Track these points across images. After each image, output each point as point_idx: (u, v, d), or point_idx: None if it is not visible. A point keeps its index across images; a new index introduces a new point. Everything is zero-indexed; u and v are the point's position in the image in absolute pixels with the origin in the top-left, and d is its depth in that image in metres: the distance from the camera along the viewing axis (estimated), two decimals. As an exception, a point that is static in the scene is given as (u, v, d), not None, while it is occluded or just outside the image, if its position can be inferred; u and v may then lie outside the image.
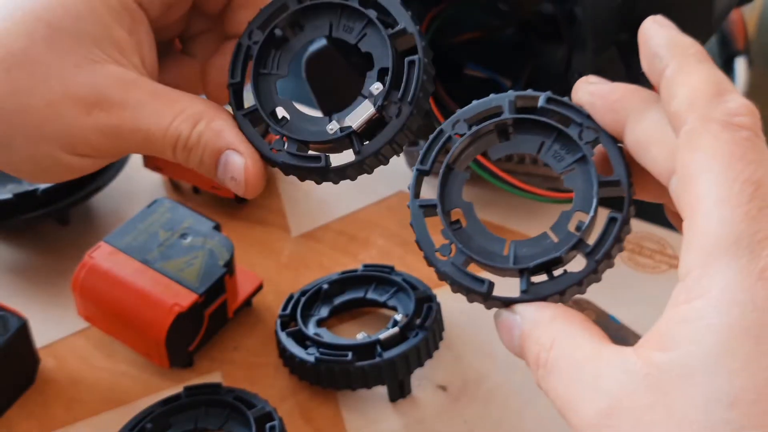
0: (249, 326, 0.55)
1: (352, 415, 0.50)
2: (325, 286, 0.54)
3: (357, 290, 0.55)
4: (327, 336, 0.51)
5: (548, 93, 0.36)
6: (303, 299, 0.54)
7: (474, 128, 0.36)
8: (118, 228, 0.53)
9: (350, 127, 0.37)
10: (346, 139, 0.37)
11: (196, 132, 0.39)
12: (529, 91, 0.36)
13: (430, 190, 0.36)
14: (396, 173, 0.63)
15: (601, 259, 0.33)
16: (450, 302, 0.51)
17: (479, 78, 0.61)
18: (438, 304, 0.52)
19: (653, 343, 0.29)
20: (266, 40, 0.39)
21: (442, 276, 0.35)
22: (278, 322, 0.53)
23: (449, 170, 0.36)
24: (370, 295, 0.54)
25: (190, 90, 0.43)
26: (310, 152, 0.38)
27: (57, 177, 0.40)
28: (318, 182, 0.39)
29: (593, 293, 0.37)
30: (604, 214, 0.33)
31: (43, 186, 0.56)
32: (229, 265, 0.52)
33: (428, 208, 0.36)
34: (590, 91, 0.34)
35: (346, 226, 0.61)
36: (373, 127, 0.37)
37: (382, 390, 0.50)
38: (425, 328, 0.50)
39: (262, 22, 0.39)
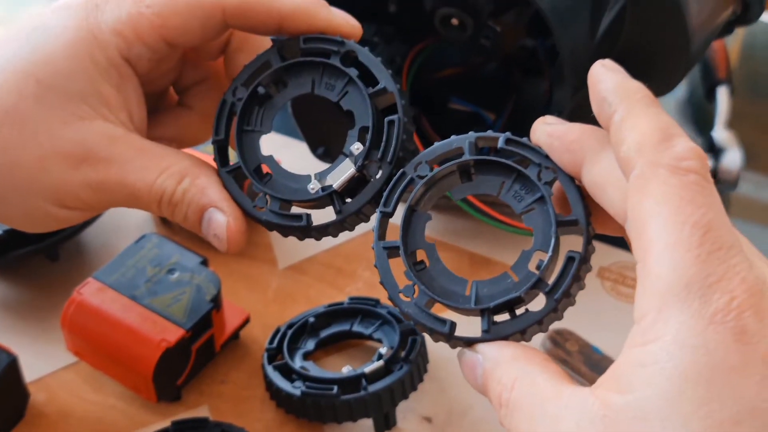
0: (236, 360, 0.56)
1: (337, 448, 0.51)
2: (312, 319, 0.55)
3: (343, 323, 0.56)
4: (313, 369, 0.52)
5: (507, 134, 0.36)
6: (289, 332, 0.54)
7: (435, 170, 0.36)
8: (106, 264, 0.54)
9: (331, 186, 0.38)
10: (328, 197, 0.38)
11: (181, 189, 0.39)
12: (489, 132, 0.37)
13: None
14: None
15: (560, 298, 0.33)
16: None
17: (463, 112, 0.62)
18: (422, 337, 0.52)
19: (610, 385, 0.29)
20: (250, 97, 0.40)
21: (406, 316, 0.35)
22: (265, 355, 0.53)
23: (412, 212, 0.37)
24: (356, 328, 0.55)
25: (189, 142, 0.44)
26: (293, 211, 0.39)
27: (47, 227, 0.41)
28: (300, 239, 0.40)
29: (576, 323, 0.37)
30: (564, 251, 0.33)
31: (33, 222, 0.57)
32: (216, 300, 0.52)
33: (392, 250, 0.36)
34: (548, 132, 0.35)
35: (333, 258, 0.62)
36: (354, 184, 0.38)
37: (367, 423, 0.51)
38: (410, 361, 0.51)
39: (245, 79, 0.40)
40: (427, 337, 0.52)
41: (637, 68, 0.55)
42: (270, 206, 0.39)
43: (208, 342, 0.53)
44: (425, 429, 0.51)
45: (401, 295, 0.36)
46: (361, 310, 0.56)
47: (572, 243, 0.34)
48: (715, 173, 0.66)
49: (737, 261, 0.28)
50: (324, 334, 0.55)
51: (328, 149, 0.64)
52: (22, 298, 0.60)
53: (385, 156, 0.37)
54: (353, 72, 0.38)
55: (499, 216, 0.55)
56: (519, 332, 0.34)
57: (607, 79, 0.33)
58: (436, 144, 0.37)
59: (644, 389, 0.28)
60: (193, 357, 0.52)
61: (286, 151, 0.68)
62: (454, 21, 0.54)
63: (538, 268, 0.34)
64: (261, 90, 0.40)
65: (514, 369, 0.33)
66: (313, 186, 0.38)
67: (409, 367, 0.50)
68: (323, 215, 0.39)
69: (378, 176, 0.37)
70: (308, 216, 0.38)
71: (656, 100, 0.33)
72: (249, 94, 0.40)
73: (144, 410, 0.53)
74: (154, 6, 0.39)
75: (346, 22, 0.40)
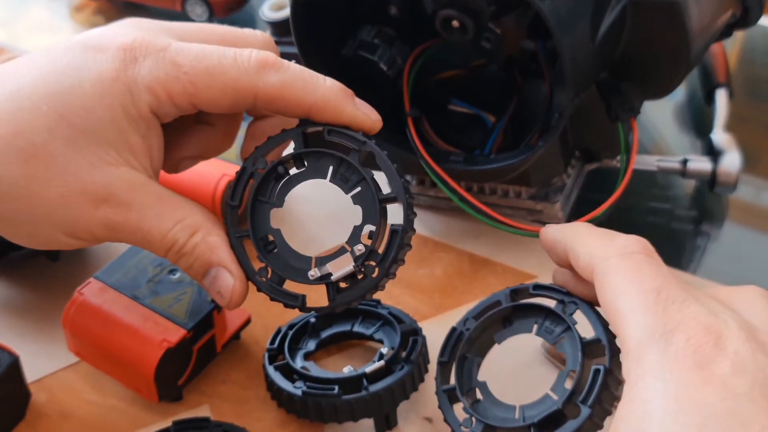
0: (237, 360, 0.56)
1: (338, 448, 0.51)
2: (313, 319, 0.55)
3: (344, 324, 0.56)
4: (314, 369, 0.52)
5: (535, 282, 0.44)
6: (290, 333, 0.54)
7: (480, 320, 0.45)
8: (107, 264, 0.54)
9: (329, 276, 0.41)
10: (323, 285, 0.42)
11: (192, 242, 0.42)
12: (521, 285, 0.45)
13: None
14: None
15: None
16: (435, 335, 0.52)
17: (464, 113, 0.62)
18: (423, 338, 0.53)
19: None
20: (269, 172, 0.43)
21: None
22: (266, 355, 0.53)
23: (464, 359, 0.45)
24: (357, 329, 0.55)
25: (211, 155, 0.47)
26: (291, 290, 0.42)
27: (50, 248, 0.44)
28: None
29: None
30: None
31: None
32: (218, 301, 0.53)
33: (450, 392, 0.44)
34: (559, 279, 0.44)
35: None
36: (350, 276, 0.42)
37: (368, 423, 0.51)
38: (411, 362, 0.51)
39: (268, 152, 0.43)
40: (428, 337, 0.53)
41: (637, 71, 0.56)
42: (270, 279, 0.42)
43: (210, 342, 0.53)
44: (426, 429, 0.52)
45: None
46: (362, 310, 0.56)
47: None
48: (714, 176, 0.66)
49: (691, 309, 0.35)
50: (325, 334, 0.55)
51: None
52: (23, 299, 0.60)
53: (384, 260, 0.41)
54: (368, 173, 0.41)
55: (499, 217, 0.55)
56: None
57: (550, 230, 0.44)
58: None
59: (628, 420, 0.34)
60: (194, 357, 0.52)
61: (288, 150, 0.69)
62: (455, 23, 0.54)
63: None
64: (280, 168, 0.43)
65: None
66: (313, 273, 0.42)
67: (410, 368, 0.51)
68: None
69: (374, 275, 0.41)
70: (303, 298, 0.42)
71: (590, 225, 0.43)
72: (269, 168, 0.43)
73: (145, 410, 0.53)
74: (191, 75, 0.41)
75: (368, 118, 0.43)
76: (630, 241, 0.39)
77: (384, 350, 0.52)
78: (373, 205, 0.41)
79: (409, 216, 0.41)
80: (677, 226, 0.69)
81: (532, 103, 0.60)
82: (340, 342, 0.56)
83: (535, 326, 0.44)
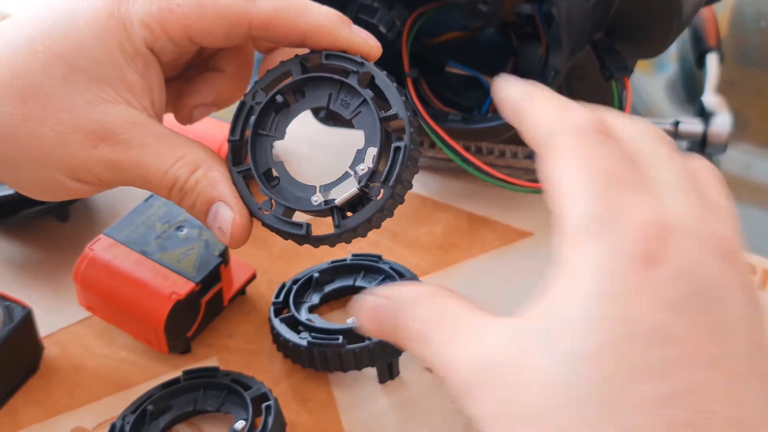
0: (244, 314, 0.57)
1: (343, 395, 0.53)
2: (316, 274, 0.57)
3: (346, 278, 0.57)
4: (318, 321, 0.54)
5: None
6: (295, 287, 0.56)
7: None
8: (117, 222, 0.55)
9: (334, 201, 0.40)
10: (329, 211, 0.40)
11: (194, 179, 0.42)
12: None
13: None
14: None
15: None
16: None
17: (461, 75, 0.64)
18: (424, 290, 0.54)
19: (528, 313, 0.33)
20: (268, 103, 0.42)
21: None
22: (272, 309, 0.55)
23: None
24: (359, 283, 0.57)
25: (226, 103, 0.47)
26: (294, 219, 0.41)
27: (57, 197, 0.44)
28: (298, 245, 0.42)
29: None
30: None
31: (44, 182, 0.58)
32: (224, 255, 0.54)
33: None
34: (496, 82, 0.39)
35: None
36: (355, 201, 0.40)
37: (372, 372, 0.53)
38: None
39: (266, 84, 0.42)
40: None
41: (630, 31, 0.58)
42: (274, 211, 0.41)
43: (217, 296, 0.55)
44: (427, 378, 0.53)
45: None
46: (364, 266, 0.57)
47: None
48: (704, 137, 0.68)
49: (643, 198, 0.32)
50: (328, 288, 0.57)
51: (330, 112, 0.65)
52: (34, 257, 0.61)
53: (387, 179, 0.39)
54: (368, 94, 0.40)
55: (498, 174, 0.57)
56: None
57: (503, 83, 0.38)
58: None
59: (556, 312, 0.32)
60: (202, 310, 0.54)
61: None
62: (453, -14, 0.55)
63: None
64: (279, 98, 0.42)
65: (428, 303, 0.36)
66: (317, 198, 0.41)
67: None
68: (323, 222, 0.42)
69: (379, 197, 0.40)
70: (308, 225, 0.41)
71: (549, 89, 0.38)
72: (268, 100, 0.42)
73: (155, 362, 0.54)
74: (183, 6, 0.41)
75: (365, 42, 0.42)
76: (588, 116, 0.35)
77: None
78: (374, 127, 0.40)
79: (411, 134, 0.40)
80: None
81: (529, 65, 0.62)
82: (344, 296, 0.58)
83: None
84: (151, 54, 0.42)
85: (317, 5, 0.42)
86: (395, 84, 0.41)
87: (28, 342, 0.53)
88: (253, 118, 0.42)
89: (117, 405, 0.51)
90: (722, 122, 0.68)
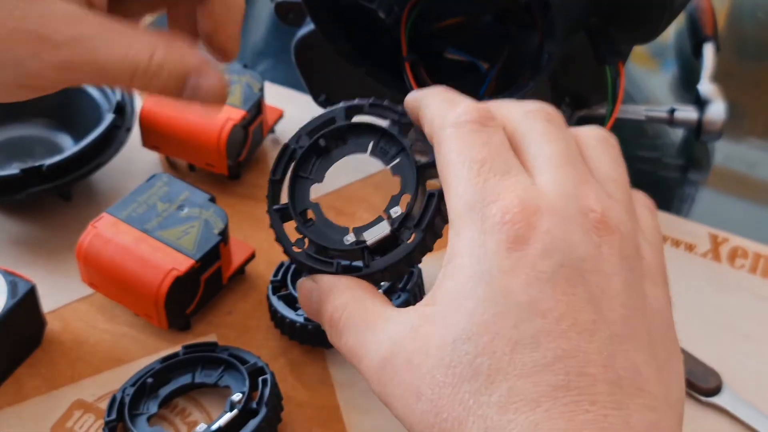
0: (242, 292, 0.59)
1: (339, 372, 0.54)
2: (314, 254, 0.58)
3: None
4: (315, 299, 0.55)
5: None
6: (293, 266, 0.57)
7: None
8: (119, 201, 0.57)
9: (365, 241, 0.41)
10: (359, 251, 0.41)
11: (156, 61, 0.40)
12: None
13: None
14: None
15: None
16: (429, 270, 0.55)
17: (459, 61, 0.65)
18: (419, 269, 0.55)
19: (426, 301, 0.36)
20: (310, 147, 0.43)
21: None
22: (270, 287, 0.56)
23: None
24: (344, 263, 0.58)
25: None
26: (325, 257, 0.42)
27: (20, 96, 0.41)
28: None
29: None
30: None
31: (48, 162, 0.59)
32: (224, 234, 0.55)
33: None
34: (406, 99, 0.42)
35: (334, 200, 0.65)
36: (386, 244, 0.41)
37: (366, 349, 0.54)
38: (407, 291, 0.53)
39: (309, 130, 0.43)
40: (424, 272, 0.55)
41: (624, 16, 0.59)
42: (306, 249, 0.42)
43: (216, 273, 0.56)
44: (421, 356, 0.54)
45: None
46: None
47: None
48: (700, 124, 0.69)
49: (513, 182, 0.34)
50: (326, 268, 0.58)
51: (330, 96, 0.67)
52: (37, 235, 0.62)
53: (419, 224, 0.40)
54: (407, 143, 0.42)
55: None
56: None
57: (410, 95, 0.41)
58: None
59: (444, 296, 0.35)
60: (202, 287, 0.55)
61: (289, 104, 0.72)
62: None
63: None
64: (322, 142, 0.43)
65: (347, 294, 0.39)
66: (349, 239, 0.41)
67: (407, 297, 0.53)
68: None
69: (410, 241, 0.40)
70: (339, 263, 0.41)
71: (443, 89, 0.40)
72: (310, 144, 0.43)
73: (155, 337, 0.56)
74: None
75: None
76: (467, 109, 0.37)
77: (385, 284, 0.54)
78: (411, 174, 0.41)
79: None
80: (665, 173, 0.72)
81: (525, 52, 0.63)
82: (342, 275, 0.59)
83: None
84: None
85: None
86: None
87: (31, 316, 0.54)
88: (294, 162, 0.44)
89: (117, 378, 0.52)
90: (717, 110, 0.69)
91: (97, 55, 0.39)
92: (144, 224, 0.55)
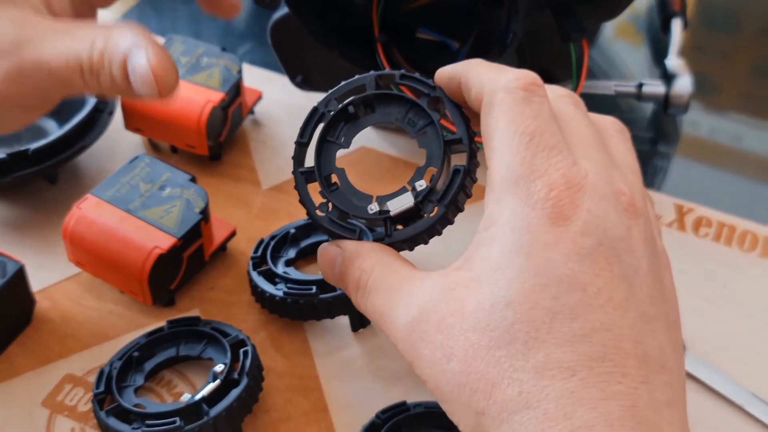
0: (224, 269, 0.61)
1: (317, 343, 0.56)
2: (292, 230, 0.60)
3: (322, 234, 0.60)
4: (294, 273, 0.57)
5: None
6: (272, 243, 0.59)
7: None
8: (102, 182, 0.58)
9: (388, 211, 0.41)
10: (382, 220, 0.42)
11: (97, 49, 0.40)
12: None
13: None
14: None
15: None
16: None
17: (431, 41, 0.66)
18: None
19: (459, 265, 0.36)
20: (339, 113, 0.44)
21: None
22: (250, 263, 0.58)
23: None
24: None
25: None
26: (348, 223, 0.42)
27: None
28: None
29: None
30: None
31: (33, 146, 0.61)
32: (205, 213, 0.57)
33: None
34: (439, 71, 0.42)
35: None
36: (408, 215, 0.41)
37: (344, 320, 0.56)
38: None
39: (340, 95, 0.44)
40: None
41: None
42: (329, 213, 0.43)
43: (198, 251, 0.58)
44: (397, 326, 0.57)
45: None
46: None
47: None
48: (667, 98, 0.71)
49: (558, 159, 0.35)
50: (304, 243, 0.60)
51: (306, 77, 0.68)
52: (25, 217, 0.64)
53: (443, 199, 0.40)
54: (435, 116, 0.42)
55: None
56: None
57: (446, 68, 0.42)
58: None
59: (482, 263, 0.35)
60: (184, 264, 0.57)
61: (268, 85, 0.73)
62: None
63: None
64: (351, 109, 0.44)
65: (373, 257, 0.40)
66: (373, 207, 0.42)
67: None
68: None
69: (432, 214, 0.41)
70: (361, 230, 0.42)
71: (485, 61, 0.41)
72: (339, 109, 0.43)
73: (140, 313, 0.58)
74: None
75: None
76: (518, 75, 0.38)
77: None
78: (437, 148, 0.41)
79: (472, 159, 0.41)
80: (635, 146, 0.74)
81: (493, 29, 0.65)
82: (318, 251, 0.61)
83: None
84: None
85: None
86: (461, 111, 0.42)
87: (21, 296, 0.56)
88: (322, 125, 0.44)
89: (105, 353, 0.55)
90: (683, 84, 0.71)
91: (41, 54, 0.39)
92: (127, 204, 0.57)
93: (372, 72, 0.44)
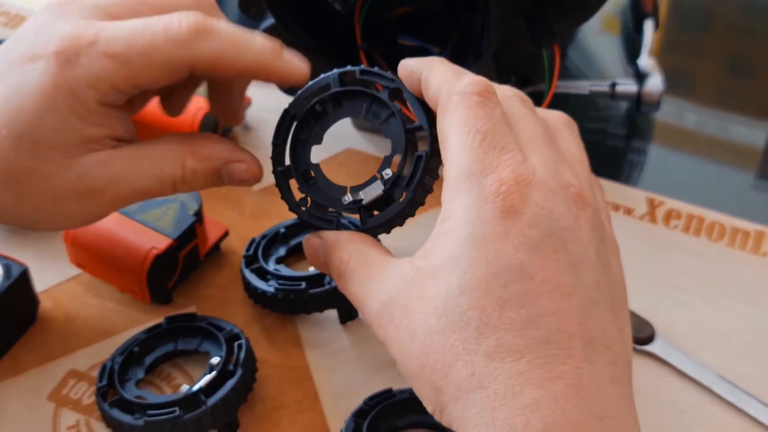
0: (218, 267, 0.64)
1: (308, 335, 0.59)
2: (283, 230, 0.63)
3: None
4: (284, 270, 0.60)
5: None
6: (263, 242, 0.62)
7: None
8: (101, 187, 0.61)
9: (362, 200, 0.44)
10: (357, 210, 0.45)
11: (189, 168, 0.45)
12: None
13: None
14: (345, 133, 0.73)
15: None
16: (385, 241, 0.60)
17: (412, 47, 0.69)
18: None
19: (420, 254, 0.39)
20: (308, 112, 0.46)
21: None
22: (243, 261, 0.61)
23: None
24: (323, 235, 0.63)
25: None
26: (326, 214, 0.46)
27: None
28: None
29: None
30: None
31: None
32: (199, 214, 0.60)
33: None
34: (400, 65, 0.45)
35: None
36: (381, 201, 0.44)
37: (333, 313, 0.59)
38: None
39: (308, 95, 0.47)
40: (382, 241, 0.60)
41: (557, 2, 0.63)
42: (309, 207, 0.46)
43: (193, 251, 0.61)
44: (383, 318, 0.60)
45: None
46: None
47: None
48: (639, 97, 0.74)
49: (509, 157, 0.38)
50: (293, 242, 0.63)
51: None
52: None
53: (409, 184, 0.43)
54: (396, 107, 0.45)
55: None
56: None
57: (408, 62, 0.44)
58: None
59: (440, 254, 0.38)
60: (180, 263, 0.60)
61: (258, 92, 0.75)
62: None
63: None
64: (318, 107, 0.47)
65: (350, 247, 0.43)
66: (347, 198, 0.45)
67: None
68: None
69: (401, 199, 0.43)
70: (338, 221, 0.45)
71: (447, 60, 0.43)
72: (308, 109, 0.46)
73: (139, 311, 0.61)
74: (126, 61, 0.42)
75: (296, 73, 0.46)
76: (473, 81, 0.40)
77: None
78: (400, 136, 0.44)
79: (433, 144, 0.43)
80: (611, 143, 0.77)
81: (470, 35, 0.67)
82: (308, 249, 0.64)
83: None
84: (105, 106, 0.44)
85: (253, 39, 0.45)
86: (421, 100, 0.44)
87: (25, 296, 0.59)
88: (294, 124, 0.47)
89: (107, 349, 0.58)
90: (655, 83, 0.74)
91: (136, 185, 0.45)
92: (125, 208, 0.60)
93: (335, 70, 0.46)
